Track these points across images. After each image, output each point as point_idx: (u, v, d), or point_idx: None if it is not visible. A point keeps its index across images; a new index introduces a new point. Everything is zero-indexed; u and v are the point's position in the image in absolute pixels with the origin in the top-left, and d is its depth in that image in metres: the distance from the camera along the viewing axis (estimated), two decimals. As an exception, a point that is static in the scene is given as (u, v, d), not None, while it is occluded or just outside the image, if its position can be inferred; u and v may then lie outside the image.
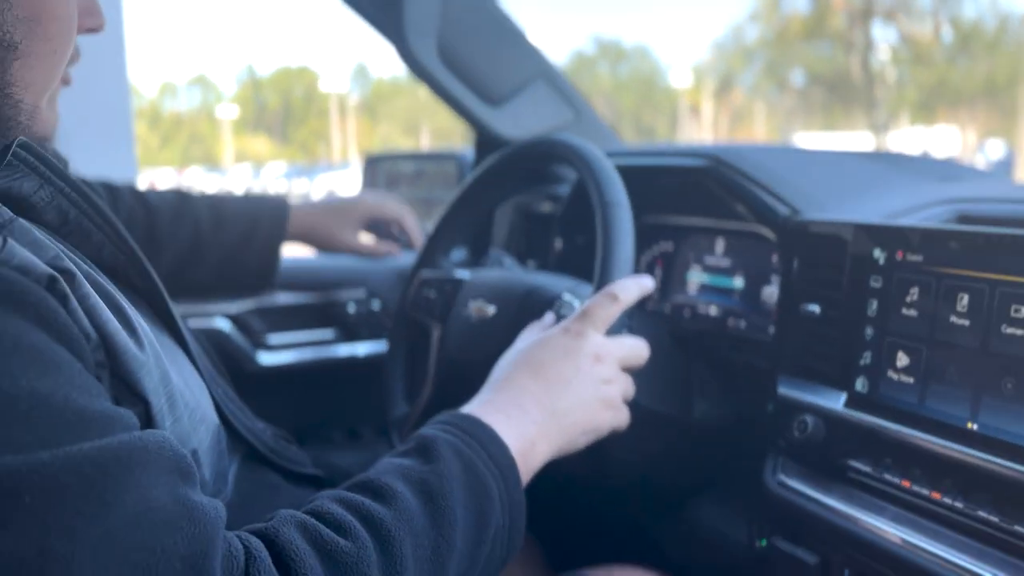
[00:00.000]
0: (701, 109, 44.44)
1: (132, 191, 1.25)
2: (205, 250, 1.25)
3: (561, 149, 1.02)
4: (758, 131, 43.06)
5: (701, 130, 44.68)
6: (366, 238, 1.40)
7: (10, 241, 0.49)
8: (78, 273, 0.53)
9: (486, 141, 1.47)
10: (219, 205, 1.28)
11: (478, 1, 1.35)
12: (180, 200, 1.27)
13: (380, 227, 1.43)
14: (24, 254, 0.49)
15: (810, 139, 31.58)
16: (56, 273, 0.50)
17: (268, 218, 1.29)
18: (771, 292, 1.11)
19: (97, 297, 0.54)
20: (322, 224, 1.35)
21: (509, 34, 1.40)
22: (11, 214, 0.52)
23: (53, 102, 0.65)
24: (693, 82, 44.04)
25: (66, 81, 0.67)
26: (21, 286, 0.47)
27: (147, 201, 1.24)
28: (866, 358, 0.86)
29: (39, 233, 0.54)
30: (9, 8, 0.55)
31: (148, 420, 0.56)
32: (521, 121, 1.43)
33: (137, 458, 0.48)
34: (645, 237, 1.31)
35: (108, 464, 0.46)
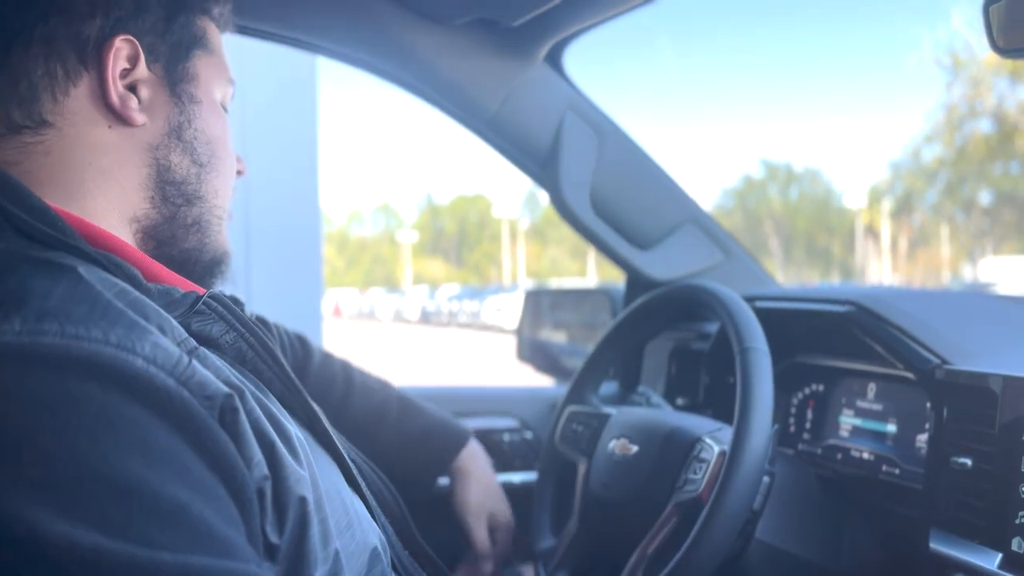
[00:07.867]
0: (879, 230, 42.75)
1: (345, 364, 1.28)
2: (382, 437, 1.24)
3: (701, 295, 1.07)
4: (942, 253, 40.75)
5: (880, 252, 42.84)
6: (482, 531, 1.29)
7: (194, 362, 0.60)
8: (247, 390, 0.63)
9: (636, 280, 1.53)
10: (408, 406, 1.28)
11: (630, 155, 1.43)
12: (381, 387, 1.29)
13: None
14: (204, 372, 0.59)
15: (1001, 263, 29.43)
16: (230, 389, 0.60)
17: (443, 437, 1.28)
18: (925, 439, 1.09)
19: (261, 414, 0.63)
20: (476, 478, 1.29)
21: (659, 182, 1.47)
22: (196, 344, 0.63)
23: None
24: (868, 203, 42.58)
25: None
26: (190, 409, 0.56)
27: (351, 375, 1.26)
28: (1022, 517, 0.83)
29: (217, 360, 0.65)
30: (195, 136, 0.78)
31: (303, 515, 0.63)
32: (671, 263, 1.48)
33: None
34: (797, 377, 1.31)
35: None
